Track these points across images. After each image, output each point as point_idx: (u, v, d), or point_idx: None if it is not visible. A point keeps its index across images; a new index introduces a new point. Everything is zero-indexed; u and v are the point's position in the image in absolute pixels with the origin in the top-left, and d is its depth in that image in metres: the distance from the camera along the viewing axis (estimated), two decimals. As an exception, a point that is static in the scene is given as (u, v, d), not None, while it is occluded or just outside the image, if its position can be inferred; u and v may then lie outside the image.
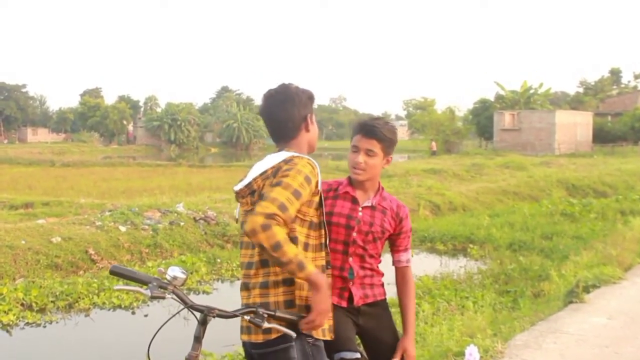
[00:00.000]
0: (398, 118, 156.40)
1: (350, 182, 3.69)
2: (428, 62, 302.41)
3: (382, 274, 3.83)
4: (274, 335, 2.86)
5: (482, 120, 66.76)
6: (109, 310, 10.21)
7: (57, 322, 9.66)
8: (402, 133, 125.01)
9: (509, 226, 16.72)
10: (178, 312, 2.94)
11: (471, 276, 11.49)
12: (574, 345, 6.27)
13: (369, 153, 3.57)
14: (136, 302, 10.29)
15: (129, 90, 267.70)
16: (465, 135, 66.73)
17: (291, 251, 2.70)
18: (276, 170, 2.91)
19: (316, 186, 2.92)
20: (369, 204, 3.62)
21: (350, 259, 3.58)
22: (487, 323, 6.58)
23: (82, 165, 42.24)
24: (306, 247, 2.95)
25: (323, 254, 3.02)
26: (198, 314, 2.83)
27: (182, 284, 2.82)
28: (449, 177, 28.13)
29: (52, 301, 10.32)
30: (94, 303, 10.46)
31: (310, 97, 3.13)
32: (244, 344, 3.01)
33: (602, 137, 64.58)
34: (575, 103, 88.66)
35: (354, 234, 3.54)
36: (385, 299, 3.89)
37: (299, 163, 2.89)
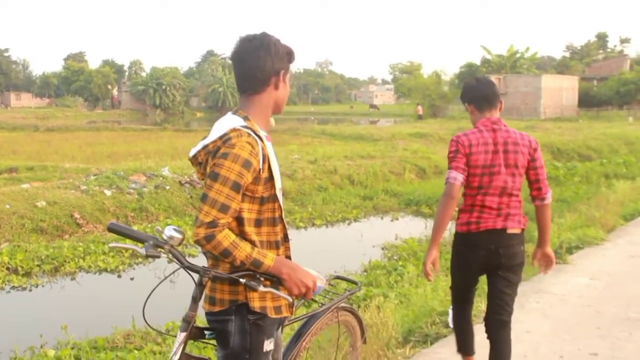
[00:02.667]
0: (384, 82, 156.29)
1: None
2: (415, 26, 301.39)
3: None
4: (217, 308, 2.81)
5: (468, 84, 66.57)
6: (95, 273, 10.20)
7: (42, 286, 9.64)
8: (388, 97, 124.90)
9: (494, 189, 16.70)
10: (174, 272, 2.93)
11: (456, 239, 11.54)
12: (556, 305, 6.35)
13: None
14: (122, 266, 10.29)
15: (113, 55, 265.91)
16: (451, 100, 66.49)
17: (242, 254, 2.64)
18: (216, 149, 2.70)
19: (260, 163, 2.69)
20: None
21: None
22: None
23: (67, 130, 41.94)
24: (259, 223, 2.78)
25: (278, 228, 2.83)
26: (195, 275, 2.82)
27: (179, 244, 2.80)
28: (434, 141, 28.13)
29: (37, 265, 10.31)
30: (79, 267, 10.45)
31: (289, 53, 2.88)
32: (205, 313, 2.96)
33: (587, 101, 64.68)
34: (561, 67, 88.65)
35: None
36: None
37: (236, 144, 2.64)
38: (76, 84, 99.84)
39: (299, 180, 17.61)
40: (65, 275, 10.20)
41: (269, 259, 2.70)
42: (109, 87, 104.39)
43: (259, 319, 2.80)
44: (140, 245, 2.82)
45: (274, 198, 2.80)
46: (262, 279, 2.75)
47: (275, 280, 2.78)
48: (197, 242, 2.64)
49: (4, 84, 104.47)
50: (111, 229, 2.85)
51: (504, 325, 4.31)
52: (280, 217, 2.85)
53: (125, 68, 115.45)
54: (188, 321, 2.79)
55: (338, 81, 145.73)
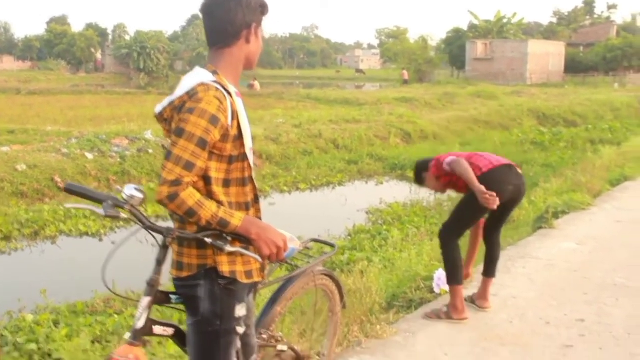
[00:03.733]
0: (370, 47, 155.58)
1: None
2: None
3: (464, 184, 5.01)
4: (185, 273, 2.66)
5: (454, 49, 66.49)
6: (76, 237, 10.08)
7: (22, 250, 9.55)
8: (374, 62, 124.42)
9: (480, 155, 16.64)
10: (134, 233, 2.70)
11: (441, 203, 11.49)
12: (543, 270, 6.27)
13: (427, 188, 5.51)
14: (103, 229, 10.17)
15: (97, 18, 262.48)
16: (437, 65, 66.35)
17: (207, 213, 2.49)
18: (182, 104, 2.55)
19: (229, 119, 2.54)
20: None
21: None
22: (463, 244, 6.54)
23: (49, 93, 41.27)
24: (227, 183, 2.64)
25: (248, 189, 2.68)
26: (158, 236, 2.66)
27: (140, 204, 2.64)
28: (420, 106, 27.98)
29: (17, 229, 10.17)
30: (60, 230, 10.33)
31: (262, 6, 2.73)
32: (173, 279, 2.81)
33: (573, 67, 64.63)
34: (548, 33, 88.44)
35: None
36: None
37: (203, 99, 2.49)
38: (59, 48, 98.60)
39: (284, 144, 17.47)
40: (45, 239, 10.09)
41: (236, 218, 2.55)
42: (93, 50, 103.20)
43: (230, 283, 2.66)
44: (98, 205, 2.66)
45: (243, 157, 2.65)
46: (229, 239, 2.60)
47: (245, 242, 2.63)
48: (160, 201, 2.48)
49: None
50: (68, 190, 2.70)
51: (499, 232, 5.35)
52: (250, 177, 2.69)
53: (109, 32, 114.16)
54: (152, 285, 2.64)
55: (324, 46, 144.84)
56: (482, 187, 4.66)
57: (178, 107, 2.56)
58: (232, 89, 2.62)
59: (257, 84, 41.79)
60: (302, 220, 11.23)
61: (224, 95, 2.55)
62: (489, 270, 5.23)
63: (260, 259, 2.63)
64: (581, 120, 26.34)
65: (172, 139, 2.51)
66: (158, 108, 2.67)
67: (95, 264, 2.68)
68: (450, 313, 4.93)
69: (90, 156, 13.88)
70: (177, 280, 2.72)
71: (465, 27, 70.33)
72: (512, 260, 6.46)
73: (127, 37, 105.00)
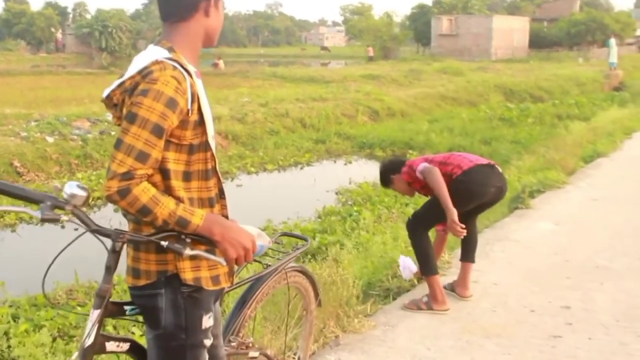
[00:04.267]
0: (335, 24, 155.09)
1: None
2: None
3: None
4: (142, 281, 2.34)
5: (419, 25, 66.32)
6: (37, 225, 9.70)
7: None
8: (339, 39, 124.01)
9: (448, 131, 16.56)
10: (78, 237, 2.31)
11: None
12: (522, 254, 6.06)
13: (393, 190, 5.32)
14: (66, 216, 9.80)
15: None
16: (402, 41, 66.21)
17: (164, 211, 2.16)
18: (134, 86, 2.20)
19: (189, 102, 2.23)
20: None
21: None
22: (431, 232, 6.30)
23: (8, 74, 40.31)
24: (188, 176, 2.31)
25: (211, 182, 2.36)
26: (106, 240, 2.32)
27: (83, 203, 2.28)
28: (387, 83, 27.76)
29: (-27, 217, 9.77)
30: (20, 218, 9.94)
31: None
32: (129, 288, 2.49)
33: (538, 42, 64.82)
34: (512, 9, 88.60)
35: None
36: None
37: (159, 79, 2.16)
38: (18, 27, 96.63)
39: (250, 124, 17.13)
40: (4, 227, 9.71)
41: (197, 216, 2.22)
42: (53, 30, 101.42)
43: (194, 291, 2.34)
44: (34, 207, 2.31)
45: (205, 146, 2.32)
46: (189, 241, 2.28)
47: (209, 244, 2.31)
48: (108, 197, 2.14)
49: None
50: None
51: (475, 220, 5.15)
52: (214, 169, 2.37)
53: (69, 10, 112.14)
54: (102, 296, 2.30)
55: (288, 23, 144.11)
56: (455, 214, 4.50)
57: (129, 89, 2.22)
58: (191, 68, 2.30)
59: (221, 62, 41.32)
60: (271, 203, 11.01)
61: (183, 75, 2.22)
62: (468, 256, 5.00)
63: (224, 263, 2.32)
64: (547, 96, 26.33)
65: (123, 125, 2.17)
66: (106, 91, 2.32)
67: (57, 252, 2.32)
68: (431, 304, 4.69)
69: (50, 140, 13.44)
70: (133, 290, 2.39)
71: (430, 3, 70.18)
72: (489, 243, 6.24)
73: (88, 16, 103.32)
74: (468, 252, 5.00)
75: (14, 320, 5.55)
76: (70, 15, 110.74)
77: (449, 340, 4.25)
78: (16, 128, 14.26)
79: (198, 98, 2.26)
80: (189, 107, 2.21)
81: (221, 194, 2.43)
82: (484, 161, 4.85)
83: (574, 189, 8.78)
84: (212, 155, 2.35)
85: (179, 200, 2.24)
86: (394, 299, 4.98)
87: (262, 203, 11.07)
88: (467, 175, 4.65)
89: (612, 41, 32.25)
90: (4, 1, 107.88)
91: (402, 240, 6.41)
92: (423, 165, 4.68)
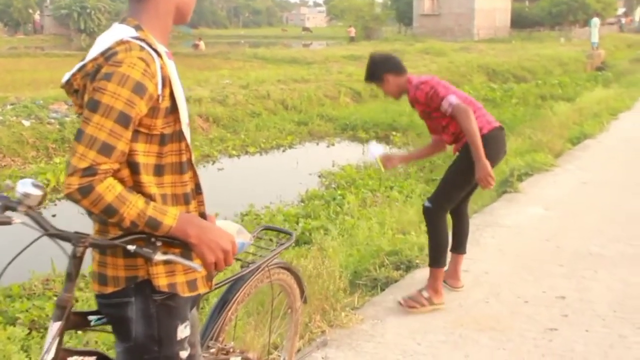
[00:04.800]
0: (316, 5, 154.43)
1: None
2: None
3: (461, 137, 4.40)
4: (110, 289, 2.08)
5: (401, 5, 65.90)
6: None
7: None
8: (321, 20, 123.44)
9: (432, 113, 16.32)
10: (33, 242, 2.03)
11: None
12: (513, 240, 5.87)
13: (379, 88, 4.68)
14: (44, 202, 9.50)
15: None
16: (384, 21, 65.79)
17: (132, 211, 1.91)
18: (96, 69, 1.93)
19: (159, 87, 1.98)
20: (411, 105, 4.63)
21: (442, 135, 4.62)
22: (418, 218, 6.11)
23: (-16, 56, 39.82)
24: (160, 170, 2.06)
25: (187, 176, 2.11)
26: (67, 245, 2.06)
27: (39, 203, 2.04)
28: (369, 64, 27.51)
29: (-54, 203, 9.45)
30: None
31: None
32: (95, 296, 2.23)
33: (520, 22, 64.59)
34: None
35: (427, 123, 4.75)
36: (461, 149, 4.41)
37: (124, 62, 1.90)
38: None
39: (231, 106, 16.84)
40: None
41: (169, 217, 1.97)
42: (30, 11, 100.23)
43: (168, 298, 2.09)
44: None
45: (179, 136, 2.06)
46: (159, 243, 2.03)
47: (184, 246, 2.06)
48: (69, 196, 1.89)
49: None
50: None
51: (468, 203, 4.88)
52: (189, 161, 2.12)
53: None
54: (63, 307, 2.04)
55: (269, 4, 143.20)
56: (489, 165, 4.11)
57: (91, 74, 1.95)
58: (161, 48, 2.04)
59: (202, 43, 40.90)
60: (253, 186, 10.82)
61: (152, 56, 1.96)
62: (459, 246, 4.72)
63: (200, 269, 2.07)
64: (530, 76, 26.20)
65: (84, 114, 1.90)
66: (66, 76, 2.05)
67: (30, 239, 2.06)
68: (432, 298, 4.40)
69: (27, 123, 13.11)
70: (100, 298, 2.14)
71: (411, -17, 69.77)
72: (479, 229, 6.05)
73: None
74: (460, 243, 4.72)
75: (-13, 313, 5.34)
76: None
77: (441, 334, 4.05)
78: (-9, 112, 13.94)
79: (170, 82, 2.01)
80: (159, 92, 1.96)
81: (198, 189, 2.18)
82: (497, 123, 4.52)
83: (563, 172, 8.61)
84: (187, 146, 2.09)
85: (150, 197, 2.00)
86: (382, 289, 4.77)
87: (244, 187, 10.88)
88: (494, 135, 4.35)
89: (596, 20, 32.10)
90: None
91: (388, 226, 6.22)
92: (456, 101, 4.22)
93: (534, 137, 10.31)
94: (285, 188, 10.10)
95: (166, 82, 1.99)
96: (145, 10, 2.08)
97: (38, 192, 2.02)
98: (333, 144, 14.42)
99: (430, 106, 4.36)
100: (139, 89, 1.89)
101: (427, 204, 4.46)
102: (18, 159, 12.09)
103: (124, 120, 1.88)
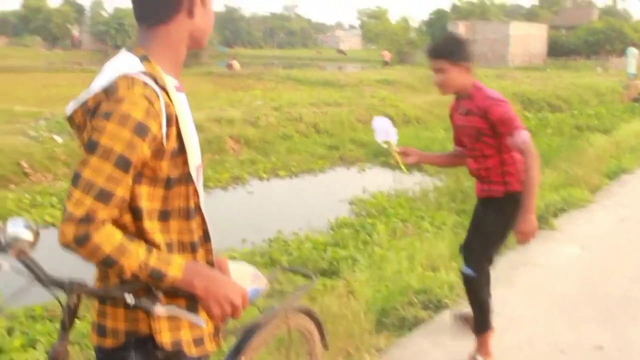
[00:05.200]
0: (351, 27, 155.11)
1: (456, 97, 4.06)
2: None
3: (505, 173, 3.92)
4: (109, 342, 1.92)
5: (436, 31, 65.88)
6: (41, 229, 9.37)
7: None
8: (355, 42, 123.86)
9: (465, 141, 16.15)
10: (24, 290, 1.92)
11: (427, 194, 10.89)
12: (547, 281, 5.66)
13: (439, 71, 3.84)
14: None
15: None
16: (419, 46, 65.78)
17: (133, 262, 1.77)
18: (96, 106, 1.79)
19: (163, 126, 1.82)
20: (463, 110, 3.96)
21: (469, 160, 4.06)
22: (449, 252, 5.93)
23: (22, 71, 40.25)
24: (165, 215, 1.89)
25: (195, 223, 1.93)
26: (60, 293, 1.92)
27: (31, 246, 1.91)
28: (402, 88, 27.44)
29: (-24, 219, 9.49)
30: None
31: None
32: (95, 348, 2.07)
33: (555, 50, 64.26)
34: (530, 15, 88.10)
35: (464, 139, 4.04)
36: (503, 196, 3.95)
37: (125, 99, 1.74)
38: (35, 23, 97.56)
39: (263, 127, 16.82)
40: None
41: (174, 267, 1.82)
42: (69, 26, 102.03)
43: (173, 356, 1.93)
44: None
45: (187, 179, 1.90)
46: (160, 295, 1.88)
47: (188, 296, 1.91)
48: (64, 245, 1.75)
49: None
50: None
51: None
52: (198, 206, 1.96)
53: (86, 7, 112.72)
54: (55, 358, 1.91)
55: (304, 25, 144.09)
56: (536, 221, 3.74)
57: (91, 110, 1.81)
58: (169, 81, 1.90)
59: (235, 63, 41.10)
60: (282, 211, 10.73)
61: (156, 93, 1.81)
62: (484, 326, 4.19)
63: (204, 325, 1.93)
64: (566, 105, 25.90)
65: (82, 156, 1.77)
66: (68, 109, 1.91)
67: (59, 260, 1.93)
68: None
69: (59, 139, 13.18)
70: (99, 352, 1.99)
71: (447, 9, 69.85)
72: (513, 268, 5.85)
73: (105, 14, 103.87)
74: (484, 322, 4.15)
75: (9, 334, 5.24)
76: (87, 13, 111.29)
77: (471, 382, 3.87)
78: (25, 127, 14.07)
79: (176, 121, 1.85)
80: (164, 132, 1.81)
81: (206, 236, 2.01)
82: None
83: (600, 208, 8.37)
84: (195, 190, 1.93)
85: (154, 245, 1.84)
86: (410, 329, 4.60)
87: (273, 211, 10.79)
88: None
89: (633, 50, 31.67)
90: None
91: (417, 261, 6.04)
92: (530, 140, 3.72)
93: (570, 171, 10.07)
94: (314, 214, 9.97)
95: (172, 121, 1.84)
96: (154, 37, 1.93)
97: (29, 237, 1.90)
98: (364, 170, 14.28)
99: (492, 128, 3.79)
100: (140, 130, 1.75)
101: (468, 272, 4.04)
102: (49, 175, 12.14)
103: (123, 164, 1.74)
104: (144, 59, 1.87)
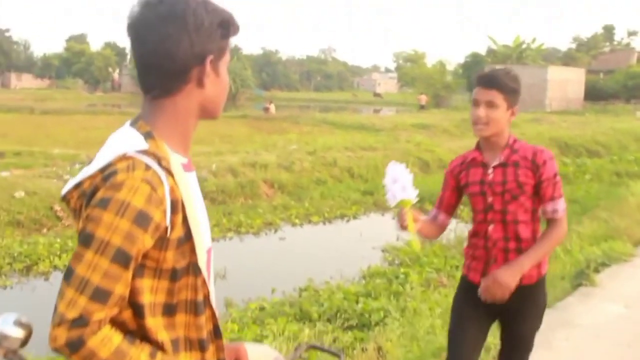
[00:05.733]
0: (387, 70, 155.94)
1: (478, 146, 3.37)
2: (420, 14, 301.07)
3: (519, 237, 3.26)
4: None
5: (472, 74, 65.73)
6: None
7: (11, 287, 9.05)
8: (392, 86, 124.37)
9: (501, 187, 15.90)
10: None
11: (461, 241, 10.65)
12: (590, 343, 5.41)
13: (489, 105, 3.19)
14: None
15: (116, 37, 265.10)
16: (455, 90, 65.77)
17: None
18: (93, 191, 1.56)
19: (167, 214, 1.60)
20: (498, 162, 3.27)
21: (490, 227, 3.27)
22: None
23: (63, 113, 40.88)
24: (170, 310, 1.66)
25: (203, 318, 1.70)
26: None
27: (23, 344, 1.74)
28: (438, 133, 27.31)
29: (9, 263, 9.73)
30: (54, 266, 9.83)
31: (223, 25, 1.71)
32: None
33: (593, 94, 63.69)
34: (567, 59, 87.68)
35: (489, 199, 3.26)
36: (537, 281, 3.28)
37: (124, 185, 1.53)
38: (77, 66, 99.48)
39: (297, 172, 16.78)
40: (38, 275, 9.57)
41: None
42: (110, 69, 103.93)
43: None
44: None
45: (194, 269, 1.67)
46: None
47: None
48: (56, 350, 1.55)
49: (4, 64, 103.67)
50: None
51: None
52: (207, 299, 1.74)
53: (127, 51, 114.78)
54: None
55: (341, 68, 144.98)
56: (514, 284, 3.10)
57: (87, 195, 1.59)
58: (176, 160, 1.69)
59: (272, 107, 41.33)
60: (314, 258, 10.64)
61: (159, 178, 1.59)
62: None
63: None
64: (604, 151, 25.51)
65: (76, 249, 1.55)
66: (63, 189, 1.69)
67: None
68: None
69: (93, 183, 13.25)
70: None
71: (483, 52, 69.75)
72: (551, 328, 5.60)
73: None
74: None
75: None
76: (128, 56, 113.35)
77: None
78: (60, 170, 14.19)
79: (182, 207, 1.64)
80: (168, 221, 1.59)
81: (216, 332, 1.78)
82: None
83: (643, 263, 8.10)
84: (204, 281, 1.71)
85: (157, 344, 1.63)
86: (443, 396, 4.39)
87: (304, 258, 10.69)
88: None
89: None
90: (65, 40, 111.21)
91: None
92: (564, 207, 3.25)
93: (611, 222, 9.78)
94: (346, 261, 9.87)
95: (177, 207, 1.62)
96: (160, 110, 1.72)
97: (18, 334, 1.73)
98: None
99: (537, 190, 3.21)
100: (141, 220, 1.54)
101: None
102: (82, 220, 12.17)
103: (122, 258, 1.53)
104: (148, 136, 1.67)
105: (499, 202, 3.25)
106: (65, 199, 1.68)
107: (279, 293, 8.34)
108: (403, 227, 3.23)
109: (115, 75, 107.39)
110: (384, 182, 3.23)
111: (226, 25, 1.71)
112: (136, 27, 1.67)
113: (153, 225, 1.55)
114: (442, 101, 60.07)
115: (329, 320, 6.96)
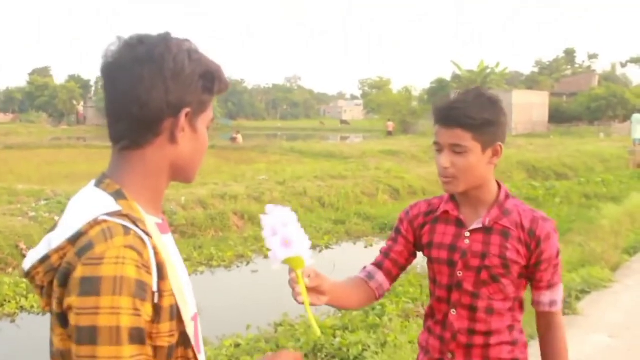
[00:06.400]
0: (353, 98, 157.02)
1: (453, 195, 2.41)
2: (384, 41, 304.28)
3: (520, 343, 2.36)
4: None
5: (437, 100, 66.38)
6: (39, 314, 9.14)
7: None
8: (358, 112, 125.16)
9: (473, 212, 15.86)
10: None
11: (437, 271, 10.54)
12: (577, 376, 5.30)
13: (456, 150, 2.27)
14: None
15: (79, 70, 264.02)
16: (421, 116, 66.20)
17: None
18: (67, 269, 1.33)
19: (154, 279, 1.39)
20: (480, 225, 2.30)
21: (453, 312, 2.33)
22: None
23: (27, 148, 40.32)
24: None
25: None
26: None
27: None
28: (407, 159, 27.34)
29: (-29, 306, 9.27)
30: (21, 307, 9.49)
31: (206, 76, 1.51)
32: None
33: (557, 117, 64.59)
34: (530, 83, 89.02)
35: (459, 273, 2.30)
36: None
37: (104, 257, 1.31)
38: (41, 99, 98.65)
39: (267, 203, 16.43)
40: (4, 317, 9.21)
41: None
42: (74, 102, 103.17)
43: None
44: None
45: (184, 340, 1.48)
46: None
47: None
48: None
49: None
50: None
51: None
52: None
53: (92, 83, 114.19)
54: None
55: (307, 96, 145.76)
56: None
57: (59, 273, 1.35)
58: (151, 221, 1.49)
59: (239, 137, 41.27)
60: (287, 291, 10.28)
61: (142, 240, 1.39)
62: None
63: None
64: (572, 173, 25.73)
65: (80, 352, 1.31)
66: (26, 264, 1.45)
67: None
68: None
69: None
70: None
71: (448, 78, 70.40)
72: (537, 360, 5.47)
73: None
74: None
75: None
76: (93, 88, 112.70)
77: None
78: (25, 207, 13.81)
79: (165, 268, 1.43)
80: (155, 286, 1.38)
81: None
82: None
83: (623, 289, 7.98)
84: (195, 354, 1.53)
85: None
86: None
87: (278, 291, 10.36)
88: None
89: (638, 117, 31.66)
90: (29, 74, 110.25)
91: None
92: (561, 295, 2.39)
93: (586, 247, 9.72)
94: (321, 295, 9.61)
95: (164, 272, 1.41)
96: (128, 163, 1.51)
97: None
98: (371, 245, 13.95)
99: (530, 272, 2.31)
100: (141, 291, 1.33)
101: None
102: (48, 257, 11.87)
103: (138, 337, 1.33)
104: (118, 195, 1.46)
105: (470, 281, 2.31)
106: (29, 275, 1.44)
107: (254, 329, 8.12)
108: (297, 300, 2.11)
109: (80, 108, 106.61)
110: (262, 234, 2.13)
111: (210, 78, 1.52)
112: (110, 68, 1.48)
113: (149, 292, 1.36)
114: (409, 127, 60.38)
115: (306, 356, 6.79)
